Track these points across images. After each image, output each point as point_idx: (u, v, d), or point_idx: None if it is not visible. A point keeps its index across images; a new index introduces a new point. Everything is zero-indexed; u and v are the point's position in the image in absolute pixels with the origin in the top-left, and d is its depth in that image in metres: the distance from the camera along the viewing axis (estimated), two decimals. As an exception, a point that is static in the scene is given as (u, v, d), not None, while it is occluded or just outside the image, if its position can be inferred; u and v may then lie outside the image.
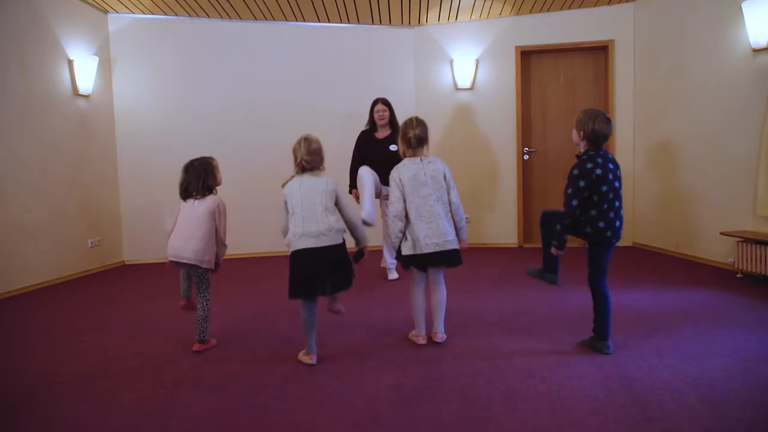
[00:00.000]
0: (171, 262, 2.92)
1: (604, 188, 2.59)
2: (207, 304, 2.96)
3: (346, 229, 2.81)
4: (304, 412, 2.13)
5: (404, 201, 2.87)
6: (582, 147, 2.70)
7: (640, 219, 6.14)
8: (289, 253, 2.73)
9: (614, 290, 3.99)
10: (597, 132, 2.59)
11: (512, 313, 3.50)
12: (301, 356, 2.74)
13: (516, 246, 6.42)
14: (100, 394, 2.37)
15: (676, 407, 2.07)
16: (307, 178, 2.73)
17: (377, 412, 2.11)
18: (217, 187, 3.03)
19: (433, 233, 2.83)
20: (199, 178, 2.93)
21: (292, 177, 2.77)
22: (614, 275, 4.58)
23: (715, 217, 4.78)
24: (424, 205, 2.85)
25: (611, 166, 2.63)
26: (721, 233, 4.45)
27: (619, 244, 6.18)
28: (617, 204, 2.64)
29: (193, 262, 2.87)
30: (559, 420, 2.00)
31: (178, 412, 2.17)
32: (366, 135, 4.71)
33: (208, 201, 2.93)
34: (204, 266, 2.90)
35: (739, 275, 4.30)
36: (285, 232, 2.77)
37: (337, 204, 2.76)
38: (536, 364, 2.57)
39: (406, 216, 2.88)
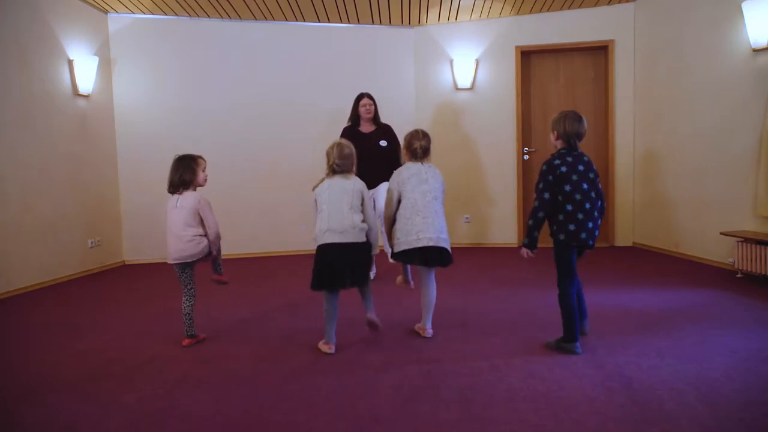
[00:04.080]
0: (174, 265, 3.01)
1: (567, 188, 2.64)
2: (192, 300, 3.03)
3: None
4: (304, 412, 2.13)
5: (396, 205, 2.99)
6: (558, 147, 2.77)
7: (640, 219, 6.14)
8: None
9: (614, 290, 4.02)
10: (569, 132, 2.69)
11: (512, 313, 3.50)
12: (321, 345, 2.87)
13: (516, 246, 6.42)
14: (100, 394, 2.37)
15: (676, 407, 2.06)
16: (337, 180, 2.86)
17: (377, 412, 2.11)
18: (200, 187, 3.09)
19: (427, 228, 2.90)
20: (177, 171, 3.00)
21: (323, 179, 2.91)
22: (614, 275, 4.60)
23: (715, 217, 4.78)
24: (422, 200, 2.94)
25: (581, 167, 2.67)
26: (721, 233, 4.45)
27: (619, 244, 6.25)
28: (587, 206, 2.65)
29: (181, 261, 2.96)
30: (559, 420, 2.00)
31: (178, 412, 2.17)
32: (351, 130, 4.69)
33: (189, 199, 2.98)
34: (190, 260, 2.97)
35: (739, 275, 4.30)
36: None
37: (362, 206, 2.86)
38: (536, 364, 2.57)
39: (397, 213, 2.99)
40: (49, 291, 4.64)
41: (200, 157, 3.10)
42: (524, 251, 2.80)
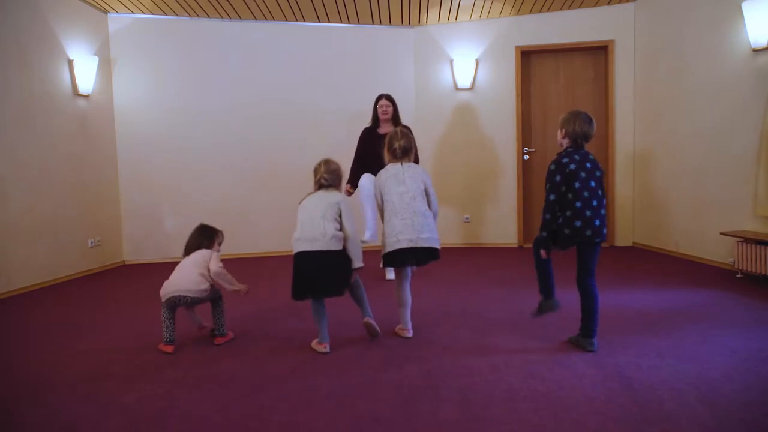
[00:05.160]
0: (168, 300, 2.93)
1: (577, 185, 2.65)
2: (222, 302, 3.11)
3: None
4: (304, 412, 2.13)
5: (380, 205, 3.03)
6: (564, 145, 2.79)
7: (640, 219, 6.14)
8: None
9: (614, 290, 4.01)
10: (578, 132, 2.71)
11: (512, 313, 3.50)
12: (314, 345, 2.88)
13: (516, 246, 6.43)
14: (100, 394, 2.36)
15: (676, 407, 2.06)
16: (319, 194, 2.89)
17: (377, 412, 2.11)
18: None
19: (406, 229, 2.89)
20: (198, 237, 3.15)
21: (309, 194, 2.94)
22: (614, 275, 4.60)
23: (715, 217, 4.78)
24: (400, 203, 2.94)
25: (588, 165, 2.70)
26: (721, 233, 4.45)
27: (619, 244, 6.25)
28: (595, 203, 2.67)
29: (188, 294, 2.92)
30: (559, 420, 2.00)
31: (178, 412, 2.17)
32: (369, 131, 4.73)
33: (204, 253, 3.07)
34: (201, 296, 2.97)
35: (739, 275, 4.30)
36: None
37: (339, 216, 2.84)
38: (536, 364, 2.57)
39: (383, 214, 3.02)
40: (49, 291, 4.64)
41: (221, 231, 3.25)
42: (542, 252, 2.82)
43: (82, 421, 2.11)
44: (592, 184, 2.67)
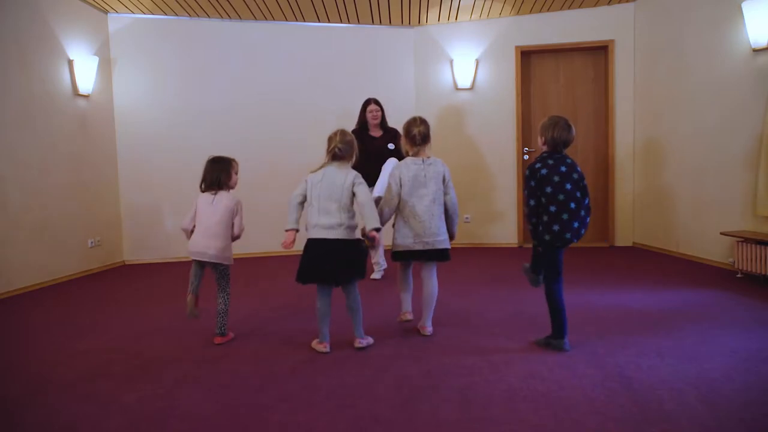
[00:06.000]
0: (194, 261, 3.04)
1: (549, 189, 2.65)
2: (227, 298, 3.10)
3: (358, 223, 2.91)
4: (304, 412, 2.13)
5: (398, 198, 3.01)
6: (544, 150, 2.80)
7: (640, 219, 6.14)
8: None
9: (614, 290, 4.02)
10: (557, 139, 2.72)
11: (512, 313, 3.50)
12: (315, 344, 2.89)
13: (516, 246, 6.43)
14: (100, 394, 2.37)
15: (676, 407, 2.06)
16: (331, 171, 2.86)
17: (377, 412, 2.11)
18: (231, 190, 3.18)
19: (424, 232, 2.96)
20: (214, 171, 3.11)
21: (321, 166, 2.91)
22: (614, 275, 4.60)
23: (715, 217, 4.78)
24: (419, 205, 2.98)
25: (563, 168, 2.68)
26: (721, 233, 4.45)
27: (619, 244, 6.25)
28: (573, 206, 2.66)
29: (215, 260, 3.00)
30: (559, 420, 2.00)
31: (178, 412, 2.17)
32: (359, 133, 4.71)
33: (226, 199, 3.07)
34: (226, 263, 3.05)
35: (739, 275, 4.30)
36: (292, 202, 2.92)
37: (354, 193, 2.84)
38: (536, 364, 2.57)
39: (398, 212, 3.04)
40: (49, 291, 4.64)
41: (234, 160, 3.20)
42: (539, 249, 2.81)
43: (82, 421, 2.11)
44: (568, 186, 2.65)
